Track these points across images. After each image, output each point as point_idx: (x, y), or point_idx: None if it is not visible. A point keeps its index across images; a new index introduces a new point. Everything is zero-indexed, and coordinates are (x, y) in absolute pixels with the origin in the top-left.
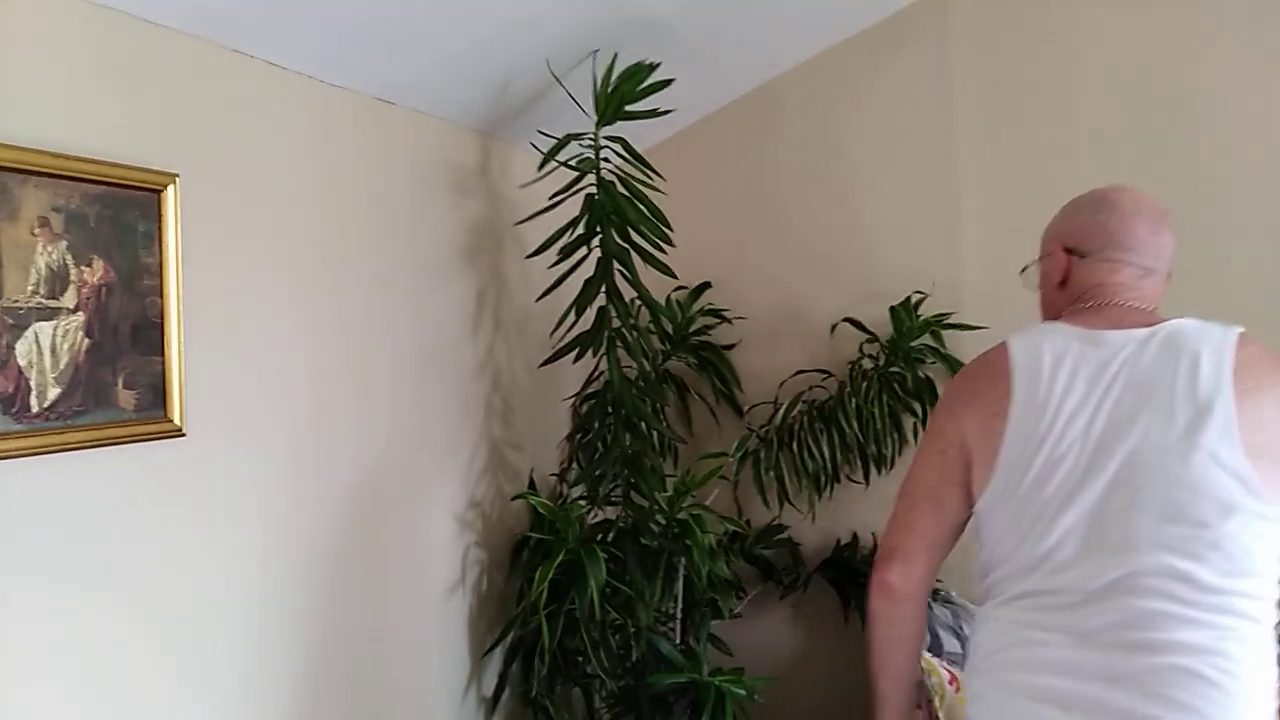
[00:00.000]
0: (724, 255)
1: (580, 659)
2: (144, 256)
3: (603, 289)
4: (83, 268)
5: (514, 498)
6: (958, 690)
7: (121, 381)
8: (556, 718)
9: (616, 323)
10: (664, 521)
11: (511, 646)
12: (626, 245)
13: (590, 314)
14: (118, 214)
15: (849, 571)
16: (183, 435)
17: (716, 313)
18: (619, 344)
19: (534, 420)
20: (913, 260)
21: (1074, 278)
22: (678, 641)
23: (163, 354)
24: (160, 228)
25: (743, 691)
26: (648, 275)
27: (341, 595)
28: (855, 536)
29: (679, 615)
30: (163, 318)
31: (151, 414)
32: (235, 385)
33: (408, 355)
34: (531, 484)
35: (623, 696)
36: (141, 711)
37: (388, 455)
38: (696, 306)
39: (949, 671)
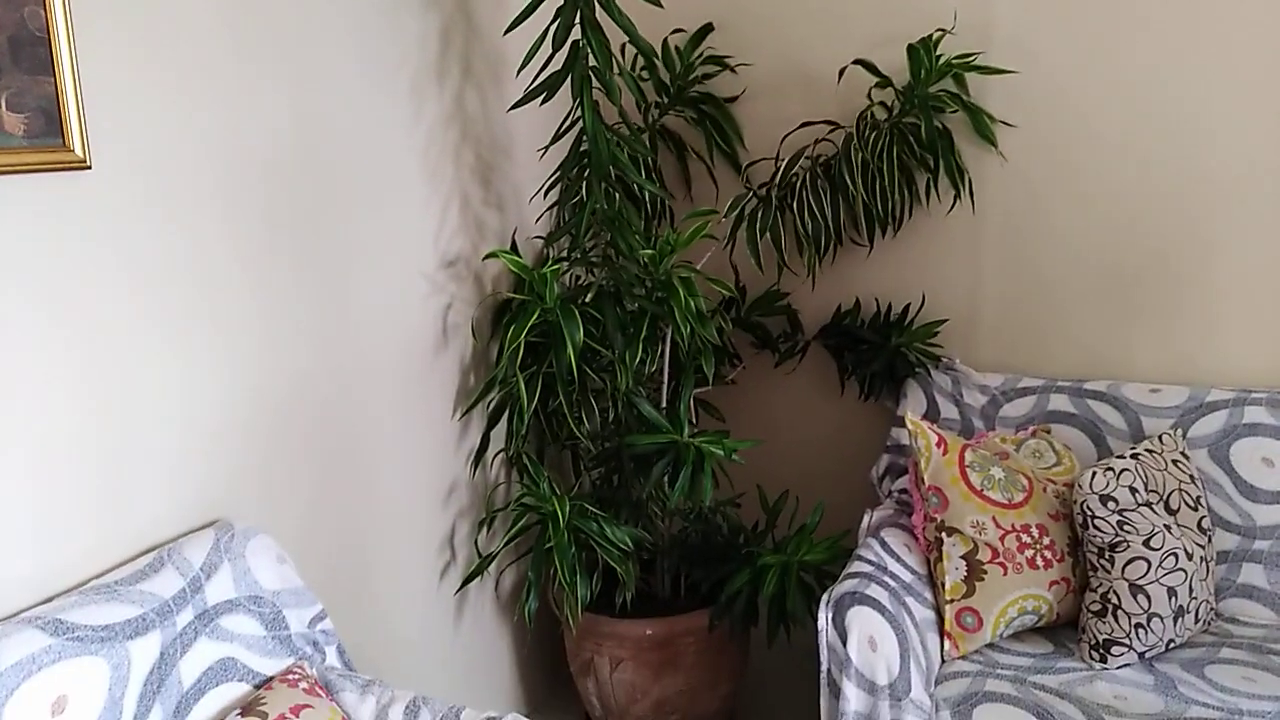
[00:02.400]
0: None
1: (560, 421)
2: None
3: (577, 17)
4: None
5: (485, 256)
6: (945, 453)
7: (4, 103)
8: (535, 474)
9: (593, 61)
10: (648, 283)
11: (496, 408)
12: None
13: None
14: None
15: (849, 339)
16: (87, 168)
17: (718, 60)
18: (595, 85)
19: (515, 179)
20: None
21: None
22: (663, 406)
23: (53, 73)
24: None
25: (721, 452)
26: (637, 9)
27: (290, 350)
28: (857, 302)
29: (665, 380)
30: (48, 31)
31: (46, 141)
32: (151, 114)
33: (358, 98)
34: (514, 246)
35: (605, 457)
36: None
37: (338, 203)
38: (697, 54)
39: (937, 434)
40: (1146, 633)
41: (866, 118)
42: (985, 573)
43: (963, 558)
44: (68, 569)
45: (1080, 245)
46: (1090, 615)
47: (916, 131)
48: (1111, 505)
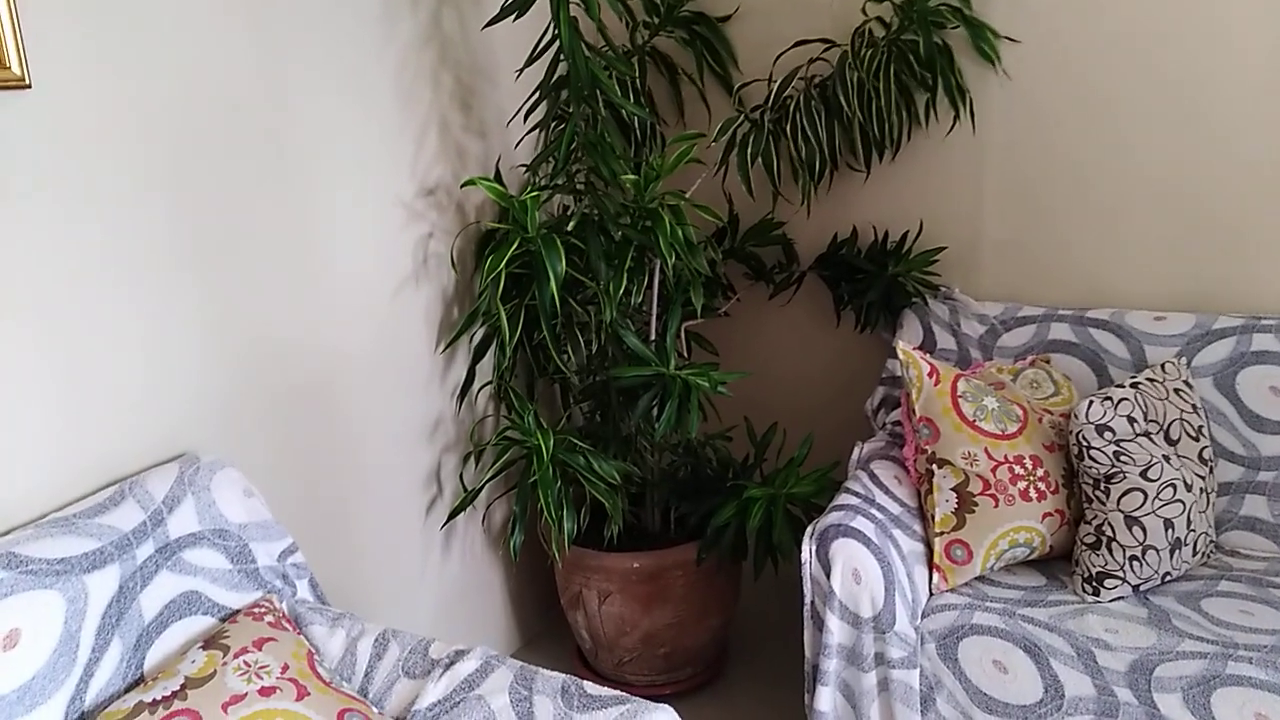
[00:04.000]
0: None
1: (546, 355)
2: None
3: None
4: None
5: (463, 184)
6: (937, 384)
7: None
8: (520, 408)
9: None
10: (633, 212)
11: (482, 341)
12: None
13: None
14: None
15: (846, 268)
16: (26, 87)
17: None
18: (573, 1)
19: (499, 103)
20: None
21: None
22: (652, 339)
23: None
24: None
25: (707, 384)
26: None
27: (252, 281)
28: (854, 230)
29: (653, 312)
30: None
31: None
32: (98, 38)
33: (322, 19)
34: (497, 173)
35: (593, 391)
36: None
37: (304, 131)
38: None
39: (929, 364)
40: (1141, 565)
41: (863, 35)
42: (976, 504)
43: (954, 489)
44: (25, 502)
45: (1086, 168)
46: (1084, 548)
47: (915, 49)
48: (1108, 435)
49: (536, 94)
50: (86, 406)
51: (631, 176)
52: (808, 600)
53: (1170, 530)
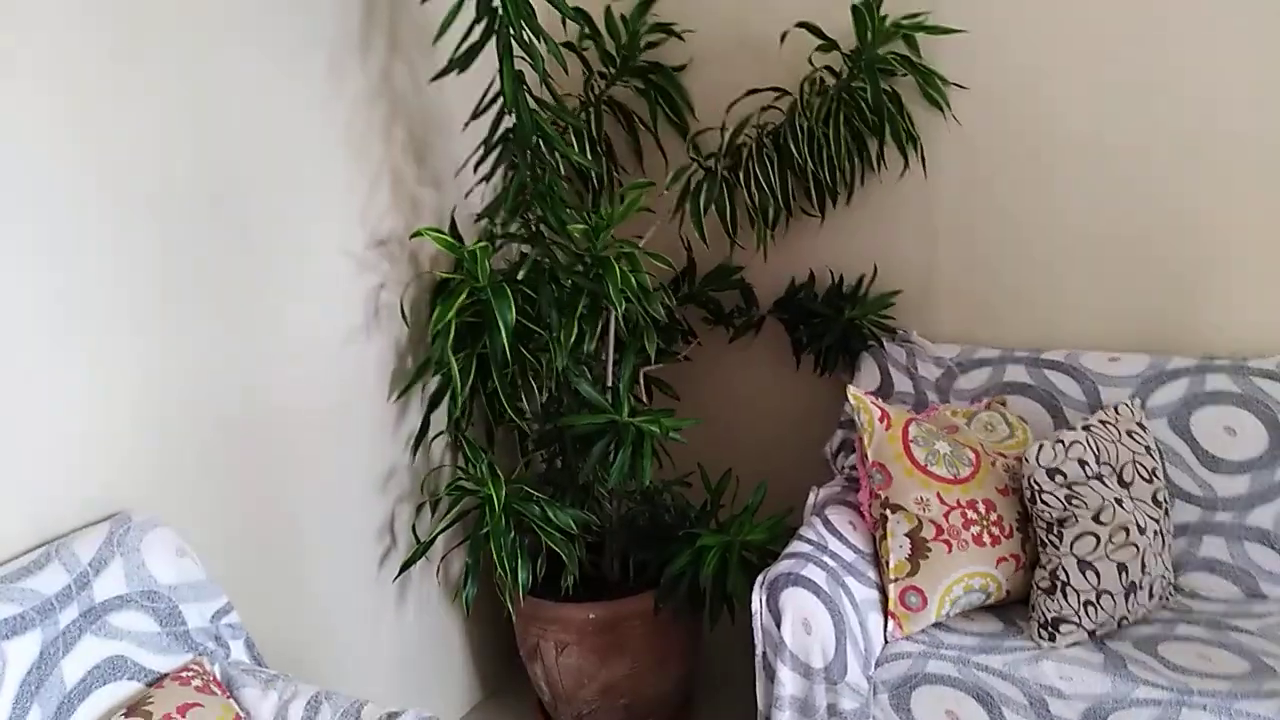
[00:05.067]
0: None
1: (502, 403)
2: None
3: None
4: None
5: (412, 235)
6: (888, 428)
7: None
8: (473, 457)
9: (515, 29)
10: (585, 259)
11: (437, 390)
12: None
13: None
14: None
15: (804, 312)
16: None
17: (664, 27)
18: (515, 53)
19: (454, 154)
20: None
21: None
22: (610, 385)
23: None
24: None
25: (658, 430)
26: None
27: (205, 334)
28: (811, 274)
29: (609, 358)
30: None
31: None
32: (36, 117)
33: (266, 78)
34: (452, 224)
35: (548, 438)
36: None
37: (248, 186)
38: (642, 22)
39: (880, 409)
40: (1096, 610)
41: (815, 83)
42: (930, 550)
43: (907, 535)
44: None
45: (1033, 213)
46: (1039, 592)
47: (864, 96)
48: (1059, 479)
49: (483, 147)
50: (18, 465)
51: (580, 225)
52: (759, 651)
53: (1124, 574)
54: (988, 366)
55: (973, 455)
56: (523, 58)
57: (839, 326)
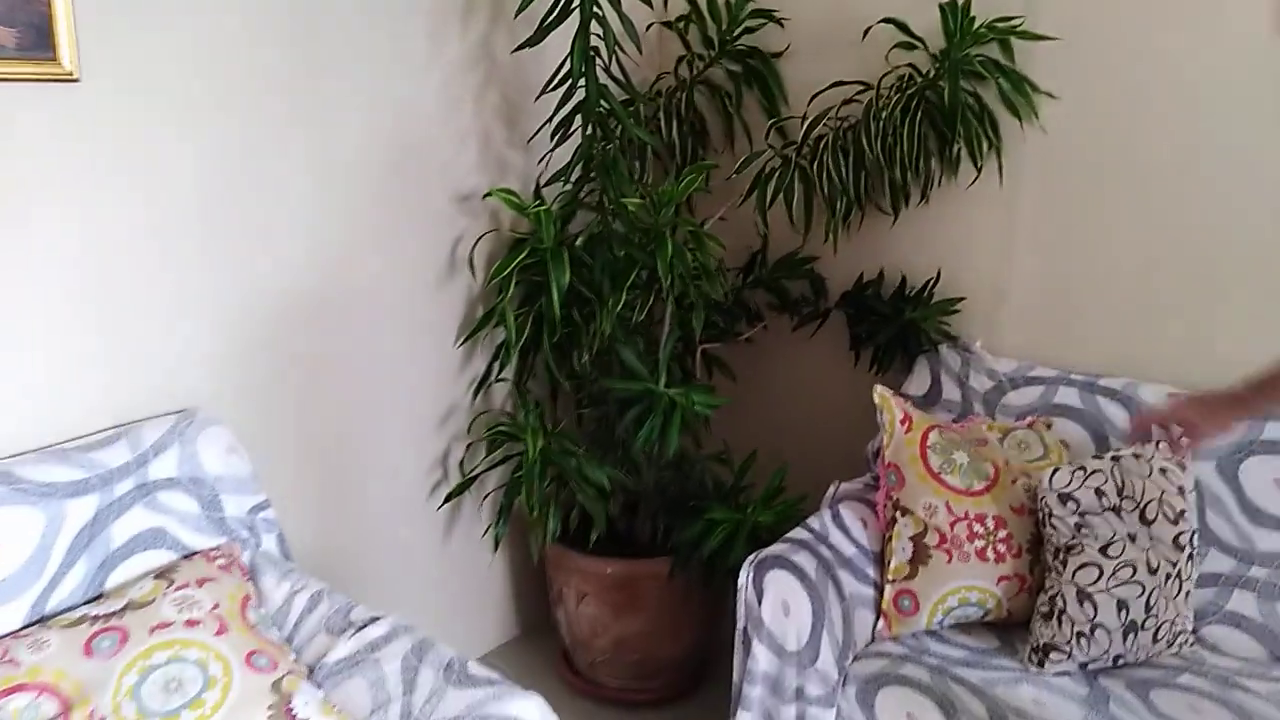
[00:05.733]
0: None
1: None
2: None
3: None
4: None
5: (485, 195)
6: (908, 431)
7: None
8: (524, 405)
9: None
10: (643, 233)
11: (504, 340)
12: None
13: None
14: None
15: (867, 308)
16: (75, 81)
17: (764, 12)
18: (595, 28)
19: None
20: None
21: None
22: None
23: None
24: None
25: (689, 404)
26: None
27: (287, 259)
28: (881, 272)
29: (665, 330)
30: None
31: (37, 54)
32: (143, 37)
33: (367, 37)
34: (538, 188)
35: (598, 399)
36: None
37: (339, 122)
38: (746, 7)
39: (904, 411)
40: (1089, 643)
41: (905, 80)
42: (930, 557)
43: (911, 539)
44: (46, 433)
45: (1120, 232)
46: (1038, 617)
47: (943, 97)
48: (1071, 505)
49: (554, 115)
50: (112, 364)
51: (635, 200)
52: (740, 625)
53: (1124, 611)
54: (1040, 385)
55: (992, 470)
56: (597, 34)
57: (897, 326)
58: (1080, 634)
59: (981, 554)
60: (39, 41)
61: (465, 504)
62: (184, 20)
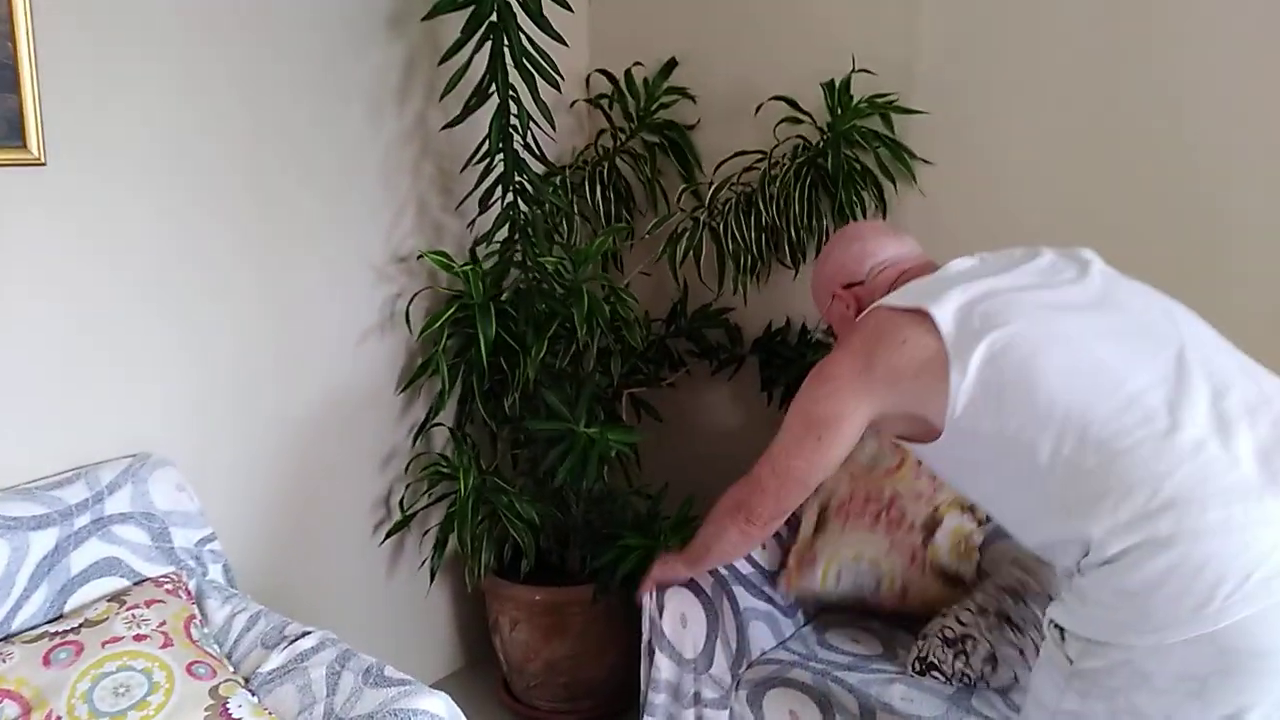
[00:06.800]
0: (688, 27)
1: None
2: None
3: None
4: None
5: (419, 256)
6: None
7: None
8: (459, 447)
9: (512, 74)
10: (563, 289)
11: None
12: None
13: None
14: None
15: (774, 354)
16: (42, 165)
17: (679, 90)
18: (510, 107)
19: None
20: (866, 34)
21: (864, 299)
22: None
23: (17, 92)
24: None
25: (607, 441)
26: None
27: (235, 319)
28: (788, 320)
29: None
30: (14, 60)
31: (7, 143)
32: (104, 124)
33: (311, 116)
34: (473, 251)
35: (528, 438)
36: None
37: (285, 199)
38: (663, 85)
39: None
40: (970, 674)
41: (795, 149)
42: (829, 524)
43: (820, 506)
44: (13, 474)
45: None
46: (941, 641)
47: (826, 165)
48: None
49: (477, 185)
50: (76, 409)
51: (552, 259)
52: (645, 638)
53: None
54: None
55: (898, 458)
56: (515, 115)
57: (798, 368)
58: (965, 674)
59: (875, 519)
60: (10, 133)
61: (408, 542)
62: (137, 114)
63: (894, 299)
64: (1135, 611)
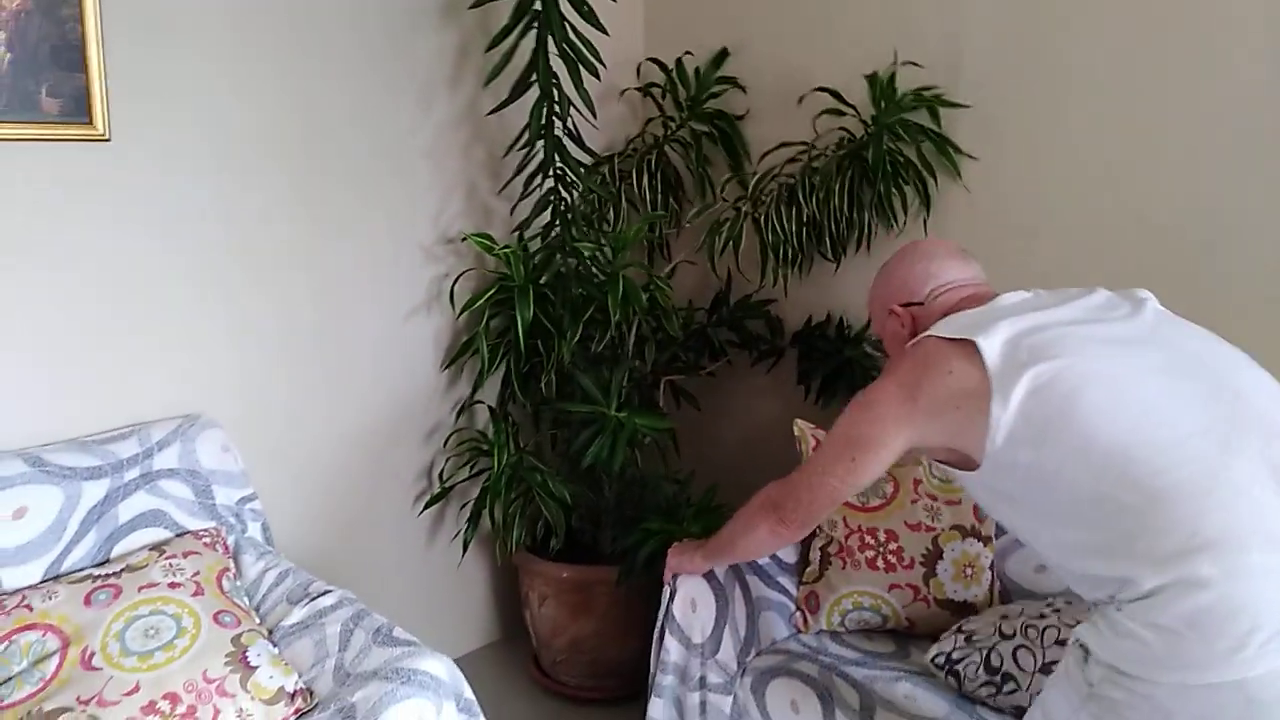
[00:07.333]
0: (741, 16)
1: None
2: None
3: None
4: None
5: (463, 238)
6: None
7: (45, 91)
8: (497, 425)
9: (555, 61)
10: (602, 275)
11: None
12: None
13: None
14: None
15: (813, 348)
16: (106, 140)
17: (729, 80)
18: (551, 94)
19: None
20: (912, 28)
21: (920, 320)
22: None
23: (84, 71)
24: None
25: (632, 426)
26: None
27: (288, 293)
28: (828, 314)
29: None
30: (83, 40)
31: (75, 119)
32: (165, 103)
33: (363, 99)
34: (520, 237)
35: (563, 419)
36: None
37: (336, 178)
38: (714, 75)
39: (815, 439)
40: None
41: (840, 141)
42: (831, 564)
43: (821, 549)
44: (73, 428)
45: (1032, 283)
46: (975, 651)
47: (869, 157)
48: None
49: (519, 170)
50: (134, 371)
51: (588, 244)
52: (659, 620)
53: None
54: None
55: (891, 488)
56: (556, 102)
57: (835, 362)
58: (990, 682)
59: (872, 563)
60: (78, 109)
61: (448, 515)
62: (194, 99)
63: (944, 328)
64: (1167, 648)
